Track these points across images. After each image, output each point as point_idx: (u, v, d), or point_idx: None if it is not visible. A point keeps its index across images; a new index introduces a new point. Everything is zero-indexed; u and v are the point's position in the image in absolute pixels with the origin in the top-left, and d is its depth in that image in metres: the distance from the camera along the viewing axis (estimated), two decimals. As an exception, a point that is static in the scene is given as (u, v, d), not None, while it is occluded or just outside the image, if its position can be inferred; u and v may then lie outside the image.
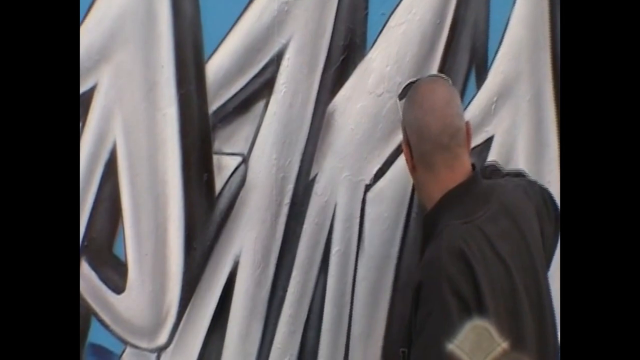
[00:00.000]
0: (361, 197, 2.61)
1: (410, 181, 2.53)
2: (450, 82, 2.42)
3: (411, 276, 2.50)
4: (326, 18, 2.49)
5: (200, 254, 2.39)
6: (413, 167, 2.32)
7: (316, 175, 2.54)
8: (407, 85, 2.41)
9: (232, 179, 2.42)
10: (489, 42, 2.77)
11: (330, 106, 2.54)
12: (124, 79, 2.24)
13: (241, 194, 2.43)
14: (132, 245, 2.31)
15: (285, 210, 2.49)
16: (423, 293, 2.17)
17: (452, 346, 2.08)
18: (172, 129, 2.31)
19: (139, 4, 2.24)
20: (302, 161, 2.51)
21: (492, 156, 2.81)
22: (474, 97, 2.77)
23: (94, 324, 2.27)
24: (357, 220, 2.61)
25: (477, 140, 2.73)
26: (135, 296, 2.31)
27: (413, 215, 2.68)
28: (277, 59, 2.44)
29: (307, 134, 2.51)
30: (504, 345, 2.12)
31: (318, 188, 2.55)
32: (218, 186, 2.40)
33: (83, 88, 2.20)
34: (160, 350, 2.36)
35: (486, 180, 2.36)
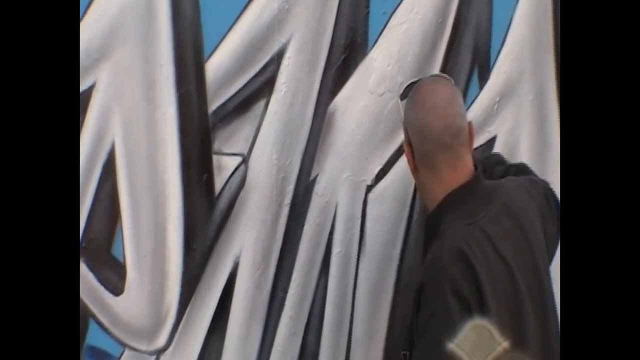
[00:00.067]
0: (362, 197, 2.61)
1: (412, 181, 2.52)
2: (453, 81, 2.42)
3: (413, 278, 2.50)
4: (327, 17, 2.49)
5: (200, 254, 2.38)
6: (415, 168, 2.32)
7: (317, 175, 2.54)
8: (408, 85, 2.42)
9: (232, 179, 2.41)
10: (491, 42, 2.78)
11: (331, 106, 2.54)
12: (123, 78, 2.24)
13: (241, 194, 2.42)
14: (130, 245, 2.30)
15: (285, 210, 2.49)
16: (425, 295, 2.17)
17: (452, 346, 2.08)
18: (171, 129, 2.30)
19: (139, 2, 2.24)
20: (302, 161, 2.50)
21: None
22: (476, 97, 2.78)
23: (92, 326, 2.26)
24: (359, 221, 2.61)
25: (479, 141, 2.73)
26: (134, 297, 2.30)
27: (415, 216, 2.68)
28: (278, 58, 2.43)
29: (307, 133, 2.50)
30: (505, 344, 2.12)
31: (319, 188, 2.54)
32: (218, 186, 2.39)
33: (82, 86, 2.19)
34: (160, 352, 2.36)
35: (489, 180, 2.36)
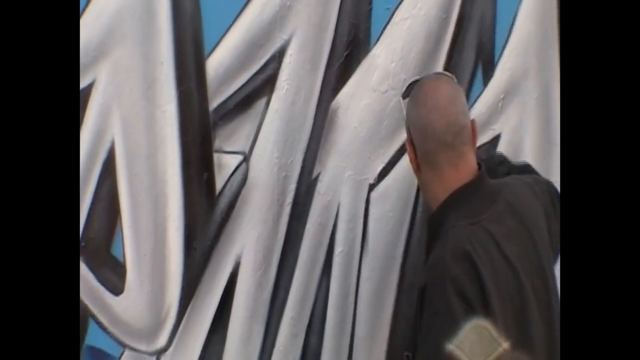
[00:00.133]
0: (365, 196, 2.61)
1: (415, 180, 2.50)
2: (455, 79, 2.41)
3: (416, 277, 2.50)
4: (329, 13, 2.49)
5: (201, 254, 2.38)
6: (417, 167, 2.32)
7: (319, 174, 2.53)
8: (410, 84, 2.41)
9: (233, 177, 2.41)
10: (496, 38, 2.78)
11: (334, 103, 2.54)
12: (122, 76, 2.23)
13: (242, 193, 2.42)
14: (130, 245, 2.29)
15: (287, 210, 2.49)
16: (428, 295, 2.17)
17: (452, 347, 2.08)
18: (171, 127, 2.30)
19: (138, -1, 2.24)
20: (304, 160, 2.50)
21: None
22: (480, 94, 2.77)
23: (92, 326, 2.25)
24: (361, 220, 2.61)
25: (483, 139, 2.73)
26: (134, 297, 2.30)
27: (418, 215, 2.68)
28: (279, 55, 2.43)
29: (309, 132, 2.50)
30: (505, 345, 2.11)
31: (321, 187, 2.54)
32: (219, 185, 2.39)
33: (81, 85, 2.18)
34: (160, 353, 2.35)
35: (493, 179, 2.35)
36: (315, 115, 2.50)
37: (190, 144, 2.32)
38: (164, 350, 2.35)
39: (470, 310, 2.11)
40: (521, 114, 2.83)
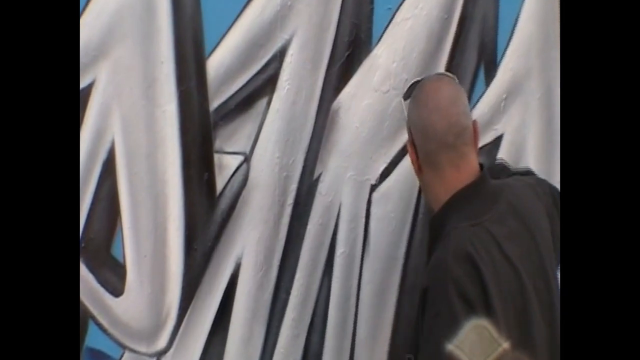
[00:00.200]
0: (367, 197, 2.61)
1: (417, 181, 2.49)
2: (457, 80, 2.41)
3: (419, 278, 2.50)
4: (330, 13, 2.48)
5: (201, 255, 2.37)
6: (419, 168, 2.32)
7: (320, 174, 2.53)
8: (411, 85, 2.41)
9: (233, 178, 2.41)
10: (498, 38, 2.77)
11: (335, 103, 2.53)
12: (122, 75, 2.23)
13: (243, 193, 2.42)
14: (130, 246, 2.29)
15: (288, 210, 2.48)
16: (429, 296, 2.16)
17: (451, 347, 2.07)
18: (172, 127, 2.29)
19: (138, -2, 2.24)
20: (305, 160, 2.50)
21: (502, 155, 2.81)
22: (482, 94, 2.77)
23: (92, 328, 2.25)
24: (363, 220, 2.61)
25: (486, 139, 2.73)
26: (134, 298, 2.30)
27: (420, 215, 2.68)
28: (280, 55, 2.42)
29: (311, 132, 2.50)
30: (505, 345, 2.11)
31: (322, 188, 2.54)
32: (219, 186, 2.38)
33: (81, 84, 2.18)
34: (160, 354, 2.35)
35: (495, 180, 2.35)
36: (317, 115, 2.49)
37: (190, 144, 2.31)
38: (164, 351, 2.35)
39: (471, 312, 2.10)
40: (524, 114, 2.83)
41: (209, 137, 2.34)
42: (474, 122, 2.31)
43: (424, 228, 2.61)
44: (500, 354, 2.10)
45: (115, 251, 2.27)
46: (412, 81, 2.43)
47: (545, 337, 2.21)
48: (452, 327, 2.09)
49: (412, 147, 2.31)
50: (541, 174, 2.63)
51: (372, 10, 2.54)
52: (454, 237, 2.19)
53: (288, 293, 2.50)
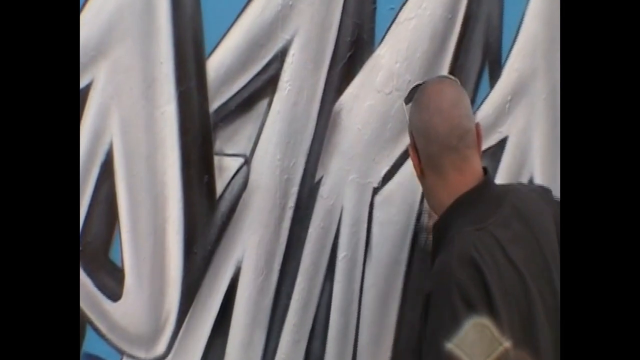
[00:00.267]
0: (369, 200, 2.60)
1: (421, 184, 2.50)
2: (459, 83, 2.41)
3: (421, 282, 2.50)
4: (332, 12, 2.48)
5: (201, 258, 2.36)
6: (421, 173, 2.31)
7: (322, 177, 2.53)
8: (413, 89, 2.41)
9: (234, 180, 2.40)
10: (503, 38, 2.78)
11: (337, 105, 2.53)
12: (121, 76, 2.22)
13: (243, 196, 2.41)
14: (129, 249, 2.27)
15: (289, 213, 2.48)
16: (433, 301, 2.16)
17: (451, 345, 2.06)
18: (171, 128, 2.28)
19: (137, -3, 2.24)
20: (307, 162, 2.49)
21: (507, 158, 2.81)
22: (487, 95, 2.77)
23: (89, 333, 2.24)
24: (365, 224, 2.60)
25: (490, 142, 2.74)
26: (132, 303, 2.28)
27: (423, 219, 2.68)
28: (281, 56, 2.42)
29: (312, 134, 2.49)
30: (506, 344, 2.09)
31: (324, 191, 2.53)
32: (219, 188, 2.38)
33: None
34: (159, 360, 2.35)
35: (499, 184, 2.36)
36: (318, 116, 2.49)
37: (190, 145, 2.31)
38: (163, 357, 2.33)
39: (474, 315, 2.09)
40: (529, 116, 2.83)
41: (208, 139, 2.34)
42: (477, 125, 2.30)
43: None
44: (501, 353, 2.08)
45: (113, 255, 2.26)
46: (414, 85, 2.43)
47: (550, 340, 2.20)
48: (453, 329, 2.08)
49: (414, 151, 2.30)
50: (547, 177, 2.68)
51: (374, 10, 2.54)
52: (457, 241, 2.18)
53: (289, 298, 2.50)
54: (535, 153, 2.85)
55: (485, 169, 2.29)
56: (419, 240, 2.69)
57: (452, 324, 2.08)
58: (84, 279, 2.21)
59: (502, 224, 2.22)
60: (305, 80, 2.45)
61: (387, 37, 2.56)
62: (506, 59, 2.78)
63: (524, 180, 2.86)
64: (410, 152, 2.33)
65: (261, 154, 2.41)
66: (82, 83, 2.16)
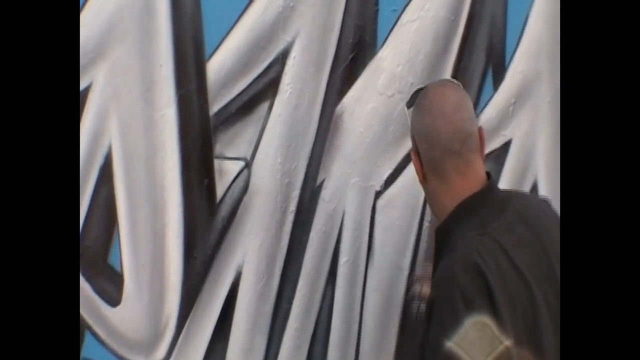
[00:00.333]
0: (371, 204, 2.60)
1: (423, 187, 2.51)
2: (461, 86, 2.40)
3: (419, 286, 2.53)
4: (334, 14, 2.48)
5: (201, 263, 2.36)
6: (424, 177, 2.30)
7: (323, 180, 2.53)
8: (415, 93, 2.39)
9: (234, 184, 2.40)
10: (506, 40, 2.78)
11: (339, 107, 2.53)
12: (120, 78, 2.21)
13: (244, 200, 2.41)
14: (128, 254, 2.27)
15: (290, 217, 2.48)
16: (436, 307, 2.14)
17: (451, 343, 2.04)
18: (171, 131, 2.28)
19: (137, -2, 2.24)
20: (308, 166, 2.49)
21: (511, 161, 2.82)
22: (490, 98, 2.78)
23: (88, 338, 2.24)
24: (367, 228, 2.60)
25: (494, 145, 2.74)
26: (132, 308, 2.28)
27: (426, 223, 2.67)
28: (282, 58, 2.41)
29: (313, 137, 2.49)
30: (507, 343, 2.07)
31: (325, 194, 2.53)
32: (219, 192, 2.38)
33: (77, 86, 2.18)
34: (158, 365, 2.36)
35: (503, 189, 2.35)
36: (320, 119, 2.49)
37: (190, 148, 2.30)
38: (162, 362, 2.35)
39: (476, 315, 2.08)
40: (533, 119, 2.83)
41: (209, 142, 2.33)
42: (480, 129, 2.29)
43: (430, 236, 2.59)
44: (501, 351, 2.06)
45: (112, 259, 2.26)
46: (416, 88, 2.41)
47: (554, 342, 2.17)
48: (454, 330, 2.06)
49: (417, 156, 2.29)
50: (551, 181, 2.69)
51: (376, 11, 2.54)
52: (460, 246, 2.16)
53: (290, 303, 2.50)
54: (539, 156, 2.85)
55: (488, 174, 2.28)
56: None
57: (454, 328, 2.06)
58: (83, 283, 2.21)
59: (506, 229, 2.20)
60: (307, 83, 2.45)
61: (389, 39, 2.56)
62: (510, 61, 2.78)
63: (528, 183, 2.86)
64: (413, 156, 2.31)
65: (262, 157, 2.41)
66: (81, 85, 2.16)
